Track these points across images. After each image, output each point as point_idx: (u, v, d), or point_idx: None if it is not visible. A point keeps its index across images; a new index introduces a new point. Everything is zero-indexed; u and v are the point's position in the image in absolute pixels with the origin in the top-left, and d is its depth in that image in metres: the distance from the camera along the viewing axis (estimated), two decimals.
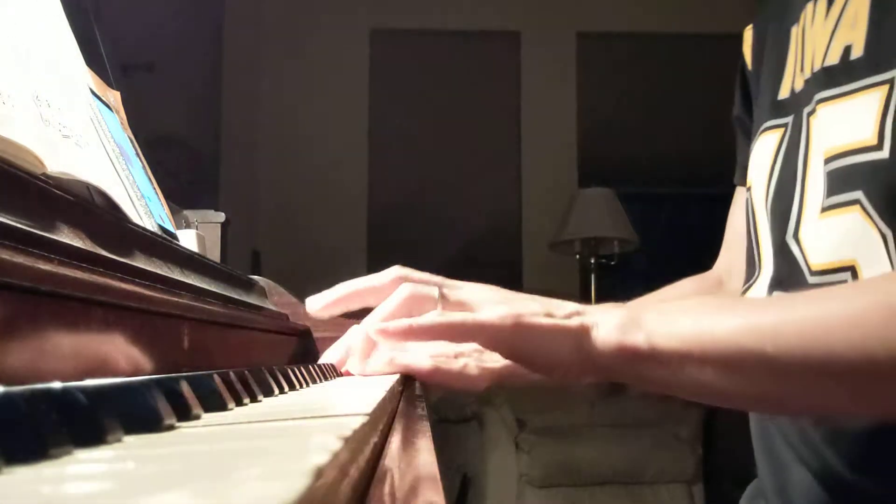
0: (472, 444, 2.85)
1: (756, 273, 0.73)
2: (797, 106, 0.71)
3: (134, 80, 2.31)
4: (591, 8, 4.01)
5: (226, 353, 0.67)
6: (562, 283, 3.74)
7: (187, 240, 0.93)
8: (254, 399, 0.52)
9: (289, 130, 3.86)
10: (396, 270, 0.74)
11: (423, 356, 0.71)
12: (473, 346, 0.71)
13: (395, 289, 0.68)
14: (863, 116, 0.61)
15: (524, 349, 0.60)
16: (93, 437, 0.29)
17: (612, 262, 3.64)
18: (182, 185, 2.54)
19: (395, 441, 0.40)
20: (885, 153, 0.59)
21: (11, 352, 0.33)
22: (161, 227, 0.76)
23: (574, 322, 0.59)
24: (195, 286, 0.61)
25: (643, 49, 4.06)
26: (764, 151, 0.74)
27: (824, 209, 0.64)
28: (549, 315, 0.60)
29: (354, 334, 0.75)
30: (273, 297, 1.05)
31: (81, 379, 0.38)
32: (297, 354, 0.91)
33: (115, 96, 0.85)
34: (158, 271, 0.53)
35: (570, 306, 0.62)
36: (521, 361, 0.62)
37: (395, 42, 4.03)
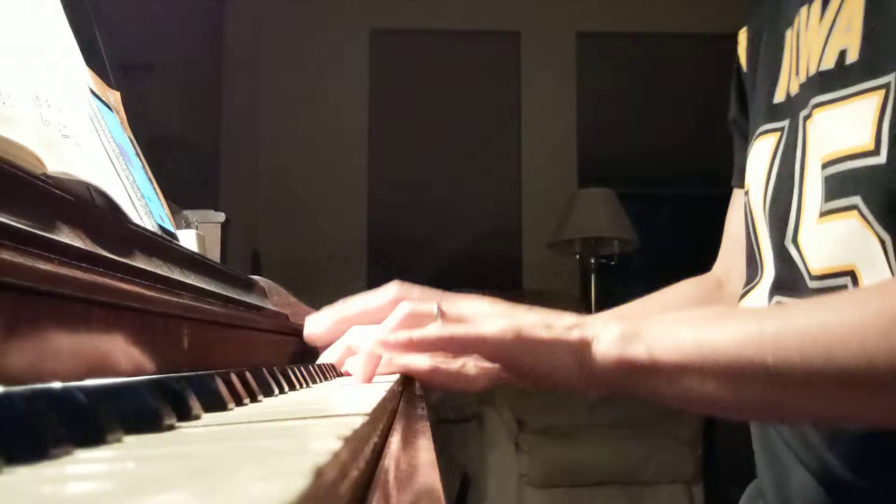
0: (472, 444, 2.85)
1: (758, 276, 0.73)
2: (793, 110, 0.71)
3: (134, 80, 2.31)
4: (591, 8, 4.02)
5: (226, 353, 0.67)
6: (562, 283, 3.74)
7: (187, 240, 0.93)
8: (254, 399, 0.52)
9: (289, 130, 3.86)
10: (395, 289, 0.74)
11: (422, 357, 0.71)
12: None
13: (393, 308, 0.68)
14: (859, 121, 0.61)
15: (525, 362, 0.60)
16: (93, 437, 0.29)
17: (612, 262, 3.64)
18: (182, 185, 2.54)
19: (395, 441, 0.40)
20: (882, 158, 0.59)
21: (11, 352, 0.33)
22: (161, 227, 0.76)
23: (574, 335, 0.60)
24: (195, 286, 0.61)
25: (643, 49, 4.06)
26: (760, 155, 0.74)
27: (822, 214, 0.64)
28: (549, 327, 0.61)
29: (354, 334, 0.75)
30: (273, 297, 1.05)
31: (81, 379, 0.38)
32: (297, 354, 0.91)
33: (115, 96, 0.85)
34: (158, 271, 0.53)
35: (570, 319, 0.62)
36: (521, 374, 0.63)
37: (395, 42, 4.03)
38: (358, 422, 0.31)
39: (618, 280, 3.82)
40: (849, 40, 0.64)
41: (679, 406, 0.60)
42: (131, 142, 0.83)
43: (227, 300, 0.71)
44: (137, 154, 0.83)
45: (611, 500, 2.79)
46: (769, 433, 0.74)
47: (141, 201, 0.72)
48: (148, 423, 0.34)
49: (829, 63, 0.66)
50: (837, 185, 0.62)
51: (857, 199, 0.60)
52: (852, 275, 0.61)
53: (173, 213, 0.92)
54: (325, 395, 0.62)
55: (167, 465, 0.25)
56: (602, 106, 4.04)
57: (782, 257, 0.68)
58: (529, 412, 2.88)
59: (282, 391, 0.63)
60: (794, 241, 0.67)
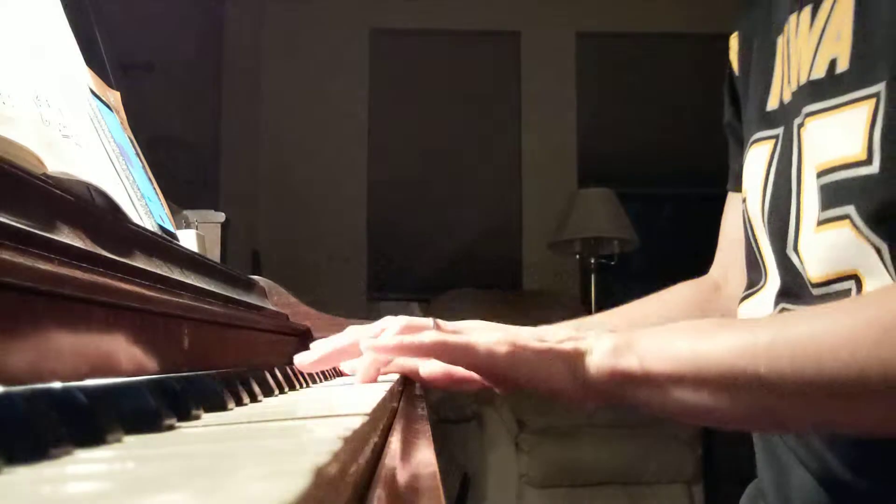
0: (472, 444, 2.85)
1: (762, 281, 0.73)
2: (787, 117, 0.71)
3: (134, 80, 2.31)
4: (591, 8, 4.01)
5: (226, 353, 0.67)
6: (562, 283, 3.74)
7: (187, 240, 0.93)
8: (254, 399, 0.52)
9: (289, 130, 3.86)
10: (389, 319, 0.74)
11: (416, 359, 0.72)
12: None
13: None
14: (851, 131, 0.61)
15: (519, 374, 0.60)
16: (93, 437, 0.29)
17: (612, 262, 3.64)
18: (182, 185, 2.53)
19: (395, 441, 0.40)
20: (874, 168, 0.59)
21: (11, 352, 0.33)
22: (161, 227, 0.76)
23: (568, 346, 0.60)
24: (195, 286, 0.61)
25: (643, 49, 4.06)
26: (756, 163, 0.74)
27: (819, 223, 0.64)
28: (542, 340, 0.61)
29: (349, 333, 0.75)
30: (273, 297, 1.05)
31: (81, 379, 0.38)
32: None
33: (115, 96, 0.85)
34: (158, 271, 0.53)
35: (563, 332, 0.62)
36: (515, 387, 0.62)
37: (395, 42, 4.03)
38: (358, 422, 0.31)
39: (618, 280, 3.82)
40: (839, 49, 0.64)
41: (673, 417, 0.60)
42: (131, 142, 0.83)
43: (227, 300, 0.71)
44: (137, 154, 0.83)
45: (611, 500, 2.79)
46: (770, 433, 0.74)
47: (141, 201, 0.72)
48: (148, 423, 0.34)
49: (819, 72, 0.66)
50: (832, 195, 0.62)
51: (849, 209, 0.60)
52: (856, 279, 0.61)
53: (173, 213, 0.92)
54: (325, 395, 0.62)
55: (167, 465, 0.25)
56: (602, 106, 4.03)
57: (784, 265, 0.68)
58: (529, 412, 2.88)
59: (282, 391, 0.63)
60: (795, 249, 0.67)
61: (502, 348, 0.60)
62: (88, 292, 0.40)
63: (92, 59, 0.77)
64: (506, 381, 0.62)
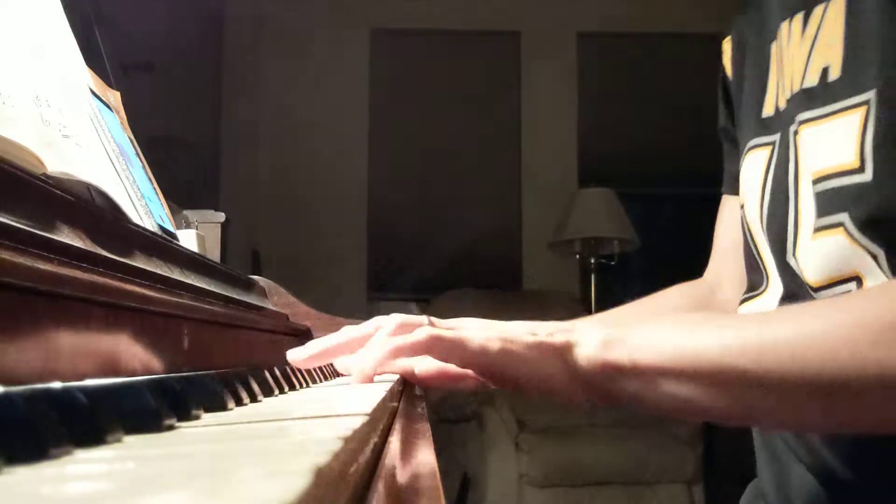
0: (472, 444, 2.85)
1: (764, 284, 0.73)
2: (783, 124, 0.71)
3: (134, 80, 2.31)
4: (591, 8, 4.01)
5: (226, 353, 0.67)
6: (562, 283, 3.74)
7: (187, 240, 0.93)
8: (254, 399, 0.52)
9: (289, 130, 3.86)
10: (380, 318, 0.74)
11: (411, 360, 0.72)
12: None
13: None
14: (844, 139, 0.61)
15: (512, 368, 0.61)
16: (93, 437, 0.29)
17: (612, 262, 3.64)
18: (182, 185, 2.53)
19: (395, 441, 0.40)
20: (867, 175, 0.59)
21: (11, 352, 0.33)
22: (161, 227, 0.76)
23: (559, 339, 0.61)
24: (195, 286, 0.61)
25: (643, 49, 4.06)
26: (753, 170, 0.74)
27: (815, 230, 0.64)
28: (533, 334, 0.62)
29: (343, 332, 0.75)
30: (273, 297, 1.05)
31: (81, 379, 0.38)
32: None
33: (115, 96, 0.85)
34: (158, 271, 0.53)
35: (553, 326, 0.64)
36: (506, 380, 0.63)
37: (395, 42, 4.03)
38: (358, 422, 0.31)
39: (618, 280, 3.82)
40: (831, 57, 0.65)
41: (662, 410, 0.61)
42: (131, 142, 0.83)
43: (227, 300, 0.71)
44: (137, 154, 0.83)
45: (611, 499, 2.79)
46: (761, 429, 0.74)
47: (141, 201, 0.72)
48: (148, 423, 0.34)
49: (812, 80, 0.66)
50: (827, 202, 0.63)
51: (843, 217, 0.61)
52: (857, 280, 0.61)
53: (173, 213, 0.92)
54: (325, 395, 0.62)
55: (167, 465, 0.25)
56: (602, 106, 4.03)
57: (785, 270, 0.69)
58: (529, 412, 2.88)
59: (282, 391, 0.63)
60: (794, 255, 0.67)
61: (494, 344, 0.61)
62: (88, 292, 0.40)
63: (92, 59, 0.77)
64: (499, 376, 0.63)
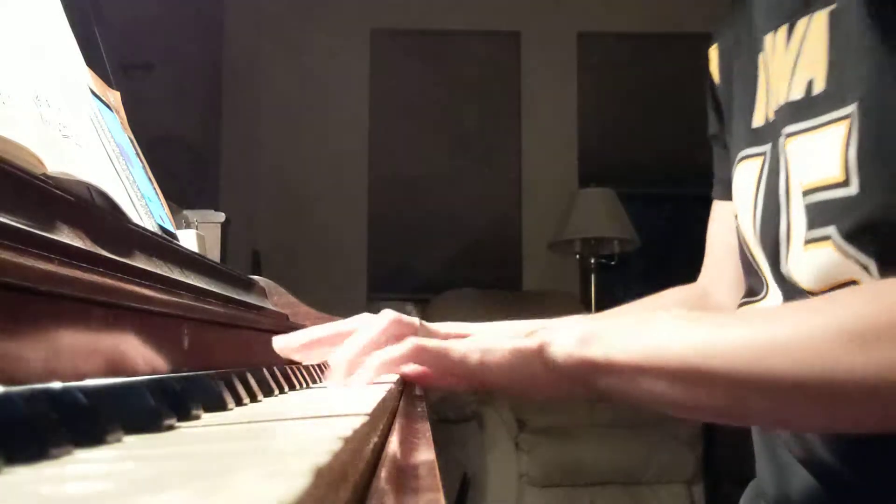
0: (472, 444, 2.85)
1: (763, 291, 0.73)
2: (773, 135, 0.71)
3: (134, 80, 2.31)
4: (591, 8, 4.01)
5: (226, 353, 0.67)
6: (562, 283, 3.74)
7: (187, 240, 0.93)
8: (254, 399, 0.52)
9: (289, 130, 3.86)
10: (366, 315, 0.75)
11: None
12: None
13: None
14: (828, 152, 0.62)
15: (491, 376, 0.64)
16: (93, 437, 0.29)
17: (612, 262, 3.64)
18: (182, 185, 2.53)
19: (394, 441, 0.40)
20: (853, 189, 0.60)
21: (11, 352, 0.33)
22: (161, 227, 0.76)
23: (534, 341, 0.63)
24: (195, 286, 0.61)
25: (643, 49, 4.06)
26: (746, 180, 0.74)
27: (806, 242, 0.64)
28: (511, 339, 0.65)
29: (331, 326, 0.75)
30: (273, 297, 1.05)
31: (81, 379, 0.38)
32: None
33: (115, 96, 0.85)
34: (158, 271, 0.53)
35: (539, 324, 0.66)
36: (494, 388, 0.66)
37: (395, 42, 4.03)
38: (358, 422, 0.31)
39: (618, 280, 3.82)
40: (815, 70, 0.65)
41: (639, 404, 0.63)
42: (131, 142, 0.83)
43: (227, 300, 0.71)
44: (137, 154, 0.83)
45: (611, 500, 2.79)
46: (739, 426, 0.75)
47: (141, 201, 0.72)
48: (148, 423, 0.34)
49: (797, 93, 0.66)
50: (816, 215, 0.63)
51: (831, 230, 0.61)
52: (854, 284, 0.61)
53: (173, 213, 0.92)
54: (324, 395, 0.62)
55: (167, 465, 0.25)
56: (602, 106, 4.03)
57: (781, 279, 0.69)
58: (529, 412, 2.88)
59: (282, 391, 0.63)
60: (788, 265, 0.68)
61: (475, 355, 0.64)
62: (88, 292, 0.40)
63: (92, 59, 0.77)
64: (481, 383, 0.66)
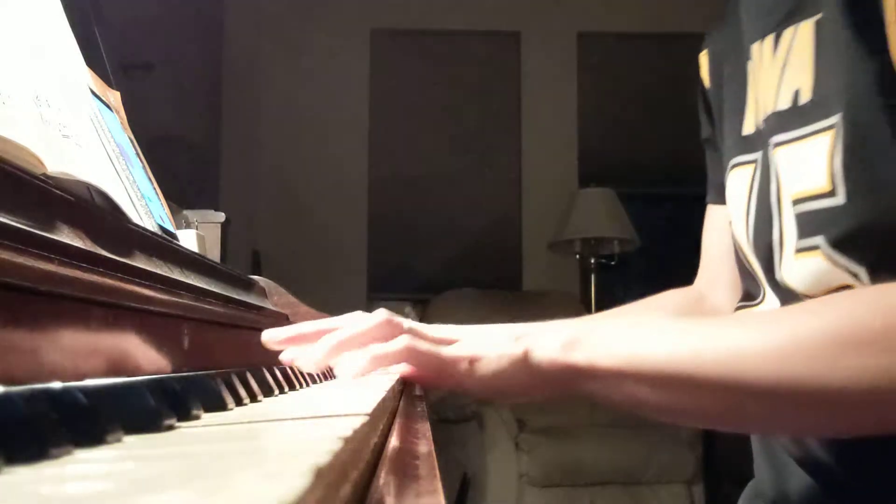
0: (472, 444, 2.85)
1: (761, 296, 0.73)
2: (763, 143, 0.71)
3: (134, 80, 2.31)
4: (591, 8, 4.01)
5: (226, 353, 0.67)
6: (562, 283, 3.74)
7: (187, 240, 0.93)
8: (254, 399, 0.52)
9: (289, 130, 3.86)
10: (358, 314, 0.75)
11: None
12: None
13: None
14: (815, 162, 0.62)
15: (478, 381, 0.65)
16: (93, 437, 0.29)
17: (612, 262, 3.64)
18: (182, 185, 2.53)
19: (394, 441, 0.40)
20: (839, 199, 0.60)
21: (11, 352, 0.33)
22: (161, 227, 0.76)
23: (520, 346, 0.64)
24: (195, 286, 0.61)
25: (643, 49, 4.06)
26: (738, 188, 0.75)
27: (797, 251, 0.65)
28: (497, 346, 0.65)
29: (322, 322, 0.74)
30: (273, 297, 1.05)
31: (82, 379, 0.38)
32: None
33: (115, 96, 0.85)
34: (158, 271, 0.53)
35: (519, 330, 0.66)
36: (483, 392, 0.67)
37: (395, 42, 4.03)
38: (358, 422, 0.31)
39: (618, 280, 3.82)
40: (801, 80, 0.65)
41: (622, 408, 0.65)
42: (131, 142, 0.83)
43: (227, 300, 0.71)
44: (137, 154, 0.83)
45: (611, 500, 2.79)
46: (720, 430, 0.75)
47: (141, 201, 0.72)
48: (148, 423, 0.34)
49: (784, 102, 0.67)
50: (805, 224, 0.64)
51: (819, 240, 0.62)
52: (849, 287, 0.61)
53: (173, 213, 0.92)
54: (325, 395, 0.62)
55: (167, 465, 0.25)
56: (602, 106, 4.03)
57: (777, 285, 0.69)
58: (529, 412, 2.88)
59: (282, 391, 0.63)
60: (782, 272, 0.68)
61: (463, 362, 0.64)
62: (88, 292, 0.40)
63: (92, 59, 0.77)
64: (469, 388, 0.67)
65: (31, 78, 0.55)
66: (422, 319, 0.77)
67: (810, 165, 0.62)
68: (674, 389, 0.59)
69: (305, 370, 0.70)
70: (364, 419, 0.33)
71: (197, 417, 0.40)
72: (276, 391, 0.61)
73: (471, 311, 2.90)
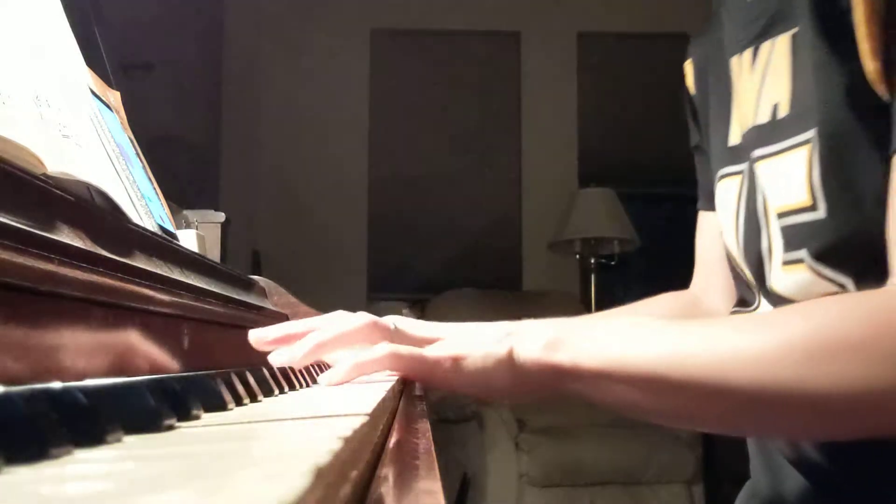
0: (472, 444, 2.85)
1: (756, 302, 0.73)
2: (748, 155, 0.71)
3: (134, 80, 2.31)
4: (591, 8, 4.01)
5: (226, 353, 0.67)
6: (562, 283, 3.74)
7: (187, 240, 0.93)
8: (254, 399, 0.52)
9: (289, 130, 3.86)
10: (342, 314, 0.75)
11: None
12: None
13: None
14: (795, 175, 0.62)
15: (463, 382, 0.64)
16: (93, 437, 0.29)
17: (612, 262, 3.64)
18: (182, 185, 2.53)
19: (394, 441, 0.40)
20: (821, 213, 0.60)
21: (11, 352, 0.33)
22: (161, 227, 0.76)
23: (504, 346, 0.63)
24: (195, 286, 0.61)
25: (643, 49, 4.06)
26: (727, 199, 0.75)
27: (784, 263, 0.65)
28: (483, 345, 0.65)
29: (308, 322, 0.74)
30: (273, 297, 1.05)
31: (81, 379, 0.38)
32: None
33: (115, 96, 0.85)
34: (158, 271, 0.53)
35: (504, 329, 0.66)
36: (468, 392, 0.67)
37: (395, 42, 4.03)
38: (358, 422, 0.31)
39: (618, 280, 3.82)
40: (779, 94, 0.65)
41: (606, 408, 0.64)
42: (131, 142, 0.83)
43: (227, 300, 0.71)
44: (137, 154, 0.83)
45: (611, 500, 2.79)
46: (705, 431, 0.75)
47: (141, 201, 0.72)
48: (148, 423, 0.34)
49: (764, 116, 0.67)
50: (790, 237, 0.64)
51: (803, 253, 0.62)
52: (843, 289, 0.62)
53: (173, 213, 0.92)
54: (324, 395, 0.62)
55: (167, 465, 0.25)
56: (602, 106, 4.03)
57: (769, 293, 0.69)
58: (529, 412, 2.88)
59: (282, 391, 0.63)
60: (772, 282, 0.68)
61: (447, 362, 0.64)
62: (88, 292, 0.40)
63: (92, 59, 0.77)
64: (455, 388, 0.66)
65: (31, 78, 0.55)
66: (421, 319, 0.77)
67: (790, 180, 0.63)
68: (658, 391, 0.59)
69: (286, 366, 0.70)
70: (364, 419, 0.33)
71: (197, 417, 0.40)
72: (276, 391, 0.61)
73: (470, 312, 2.90)
